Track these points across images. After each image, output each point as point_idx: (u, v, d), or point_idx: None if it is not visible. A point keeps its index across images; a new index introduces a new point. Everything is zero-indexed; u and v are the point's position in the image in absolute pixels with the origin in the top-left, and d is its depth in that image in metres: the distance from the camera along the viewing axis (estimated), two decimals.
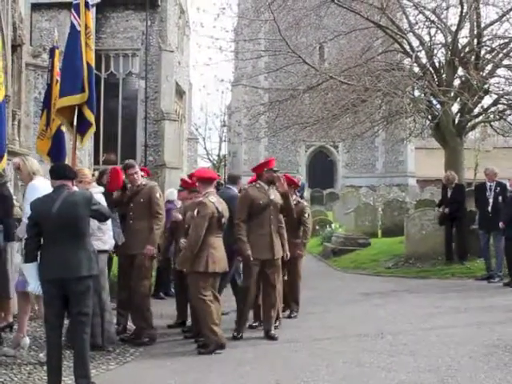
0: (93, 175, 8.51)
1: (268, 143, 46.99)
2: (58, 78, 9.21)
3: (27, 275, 6.05)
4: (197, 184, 8.35)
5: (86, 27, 8.49)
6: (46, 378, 6.01)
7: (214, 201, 7.76)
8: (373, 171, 50.33)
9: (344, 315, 9.79)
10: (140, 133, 30.39)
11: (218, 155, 63.39)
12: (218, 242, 7.79)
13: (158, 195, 8.47)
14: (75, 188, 6.50)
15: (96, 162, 27.24)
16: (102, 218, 6.44)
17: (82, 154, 22.56)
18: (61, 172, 6.20)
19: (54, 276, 5.82)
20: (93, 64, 8.49)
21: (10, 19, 13.57)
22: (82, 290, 5.86)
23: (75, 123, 8.47)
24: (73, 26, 8.54)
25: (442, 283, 13.02)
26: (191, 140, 40.14)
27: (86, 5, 8.54)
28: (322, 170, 50.60)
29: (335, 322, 9.33)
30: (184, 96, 34.85)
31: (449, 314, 9.74)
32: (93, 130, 8.57)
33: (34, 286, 5.97)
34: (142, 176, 8.80)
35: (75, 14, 8.51)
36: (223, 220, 7.83)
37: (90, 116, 8.44)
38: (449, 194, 14.62)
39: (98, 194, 7.51)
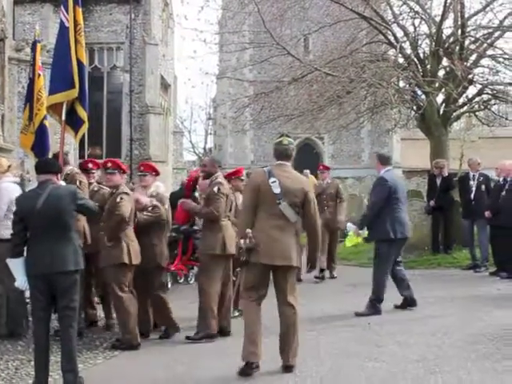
0: (9, 166, 8.27)
1: (253, 136, 46.73)
2: (40, 72, 9.18)
3: (14, 270, 6.01)
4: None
5: (77, 23, 8.34)
6: (33, 373, 6.00)
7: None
8: (359, 162, 50.18)
9: (331, 306, 9.80)
10: (125, 126, 30.33)
11: (204, 148, 63.17)
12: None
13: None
14: (61, 182, 6.46)
15: (81, 156, 27.14)
16: (88, 212, 6.41)
17: (66, 148, 22.44)
18: (46, 166, 6.17)
19: (40, 271, 5.80)
20: (84, 61, 8.41)
21: None
22: (69, 284, 5.84)
23: (63, 118, 8.41)
24: (62, 23, 8.42)
25: (428, 273, 13.08)
26: (177, 133, 40.09)
27: (76, 0, 8.38)
28: (308, 162, 50.35)
29: (322, 314, 9.35)
30: (169, 89, 34.80)
31: (435, 303, 9.80)
32: (85, 127, 8.56)
33: (21, 281, 5.94)
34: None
35: (64, 10, 8.38)
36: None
37: (82, 114, 8.42)
38: (438, 183, 14.56)
39: (9, 184, 7.62)
